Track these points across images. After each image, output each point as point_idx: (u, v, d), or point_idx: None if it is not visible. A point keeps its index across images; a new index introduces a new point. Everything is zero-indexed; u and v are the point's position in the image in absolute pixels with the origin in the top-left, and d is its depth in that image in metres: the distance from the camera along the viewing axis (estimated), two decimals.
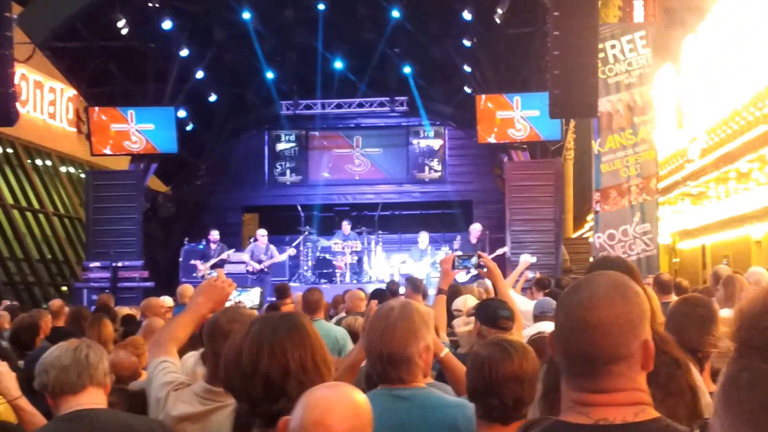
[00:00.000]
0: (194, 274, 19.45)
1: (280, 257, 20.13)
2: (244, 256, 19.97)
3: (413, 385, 3.43)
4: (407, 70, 24.06)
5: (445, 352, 4.42)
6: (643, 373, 2.14)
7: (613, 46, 17.24)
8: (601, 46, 16.14)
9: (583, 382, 2.12)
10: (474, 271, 6.91)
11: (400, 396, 3.32)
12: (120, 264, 20.49)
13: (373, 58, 23.41)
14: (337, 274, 21.32)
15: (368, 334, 3.58)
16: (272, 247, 19.96)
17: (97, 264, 20.68)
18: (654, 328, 2.39)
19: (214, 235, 20.15)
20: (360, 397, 2.33)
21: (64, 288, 22.49)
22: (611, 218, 17.37)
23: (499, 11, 19.76)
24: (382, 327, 3.47)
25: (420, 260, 20.26)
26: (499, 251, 19.94)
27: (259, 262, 19.56)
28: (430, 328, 3.50)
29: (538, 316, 7.46)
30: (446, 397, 3.58)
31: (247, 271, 19.56)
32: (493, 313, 5.70)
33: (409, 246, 21.39)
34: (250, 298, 7.93)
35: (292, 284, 17.58)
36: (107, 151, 21.66)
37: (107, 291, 18.45)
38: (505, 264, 19.72)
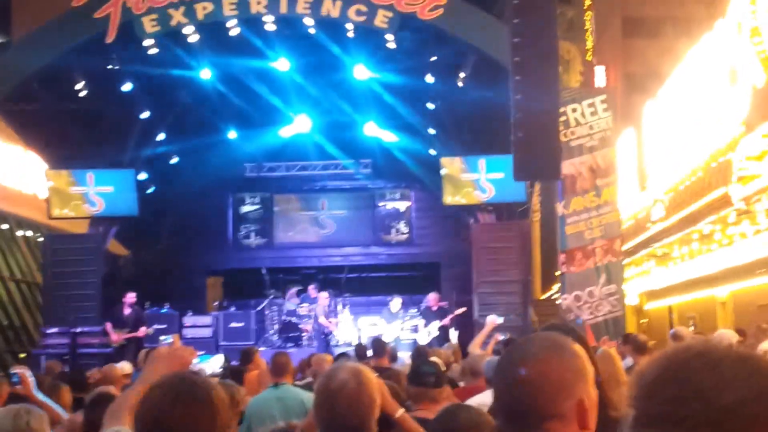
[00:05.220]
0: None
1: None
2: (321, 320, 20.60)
3: None
4: (372, 132, 24.08)
5: (400, 412, 4.33)
6: None
7: (574, 110, 17.33)
8: (562, 109, 16.21)
9: None
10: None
11: None
12: (79, 329, 20.10)
13: (338, 121, 23.45)
14: (304, 338, 21.13)
15: (320, 405, 3.50)
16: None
17: (55, 330, 20.26)
18: (603, 391, 2.46)
19: (130, 297, 19.70)
20: None
21: (23, 355, 22.00)
22: (577, 280, 17.30)
23: (462, 75, 19.89)
24: (334, 400, 3.40)
25: (390, 323, 20.24)
26: (459, 311, 20.04)
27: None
28: (380, 392, 3.49)
29: (489, 380, 7.35)
30: None
31: (323, 331, 20.44)
32: (415, 370, 5.60)
33: (379, 308, 21.35)
34: (212, 365, 7.78)
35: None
36: (66, 215, 21.37)
37: (65, 357, 18.09)
38: (473, 326, 19.65)
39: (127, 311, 19.55)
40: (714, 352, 1.27)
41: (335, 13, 18.77)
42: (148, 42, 19.23)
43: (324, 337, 20.37)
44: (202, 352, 17.06)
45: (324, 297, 21.07)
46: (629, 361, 9.62)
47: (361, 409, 3.37)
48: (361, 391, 3.39)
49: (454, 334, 19.50)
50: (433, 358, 7.34)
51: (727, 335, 9.34)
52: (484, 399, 5.91)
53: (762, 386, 1.23)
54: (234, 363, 13.72)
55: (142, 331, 19.31)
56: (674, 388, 1.22)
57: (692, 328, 16.98)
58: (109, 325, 19.40)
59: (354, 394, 3.38)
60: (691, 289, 19.05)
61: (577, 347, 2.21)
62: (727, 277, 16.63)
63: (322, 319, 20.56)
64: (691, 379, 1.22)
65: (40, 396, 7.34)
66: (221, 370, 7.80)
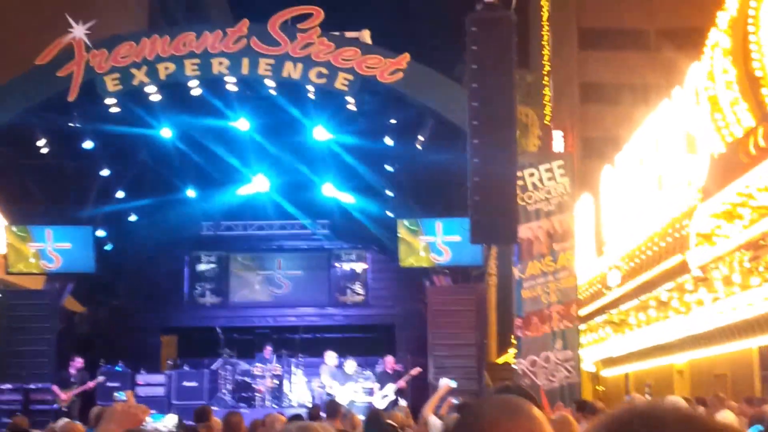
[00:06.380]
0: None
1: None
2: (324, 379, 20.25)
3: None
4: (330, 193, 24.09)
5: None
6: None
7: (531, 174, 17.51)
8: (520, 174, 16.37)
9: None
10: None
11: None
12: (32, 386, 19.84)
13: (296, 181, 23.46)
14: (257, 398, 20.91)
15: None
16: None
17: (9, 386, 20.00)
18: None
19: (78, 362, 20.09)
20: None
21: None
22: (533, 344, 17.35)
23: (420, 137, 20.05)
24: None
25: (344, 384, 20.04)
26: (414, 371, 19.94)
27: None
28: None
29: None
30: None
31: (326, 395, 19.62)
32: None
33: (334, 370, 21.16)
34: (165, 423, 7.68)
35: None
36: (23, 270, 21.17)
37: (18, 414, 17.78)
38: (428, 389, 19.57)
39: (72, 372, 19.86)
40: (657, 412, 1.29)
41: (296, 75, 18.93)
42: (110, 100, 19.27)
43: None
44: (154, 411, 16.87)
45: (332, 357, 20.60)
46: (584, 427, 9.63)
47: None
48: None
49: (404, 398, 19.35)
50: (389, 421, 7.32)
51: (678, 402, 9.38)
52: None
53: None
54: (187, 422, 13.57)
55: (91, 383, 19.65)
56: None
57: (648, 396, 17.03)
58: (55, 387, 19.60)
59: None
60: (649, 357, 19.12)
61: (535, 410, 2.19)
62: (685, 345, 16.71)
63: (325, 379, 20.16)
64: None
65: None
66: (175, 429, 7.77)
